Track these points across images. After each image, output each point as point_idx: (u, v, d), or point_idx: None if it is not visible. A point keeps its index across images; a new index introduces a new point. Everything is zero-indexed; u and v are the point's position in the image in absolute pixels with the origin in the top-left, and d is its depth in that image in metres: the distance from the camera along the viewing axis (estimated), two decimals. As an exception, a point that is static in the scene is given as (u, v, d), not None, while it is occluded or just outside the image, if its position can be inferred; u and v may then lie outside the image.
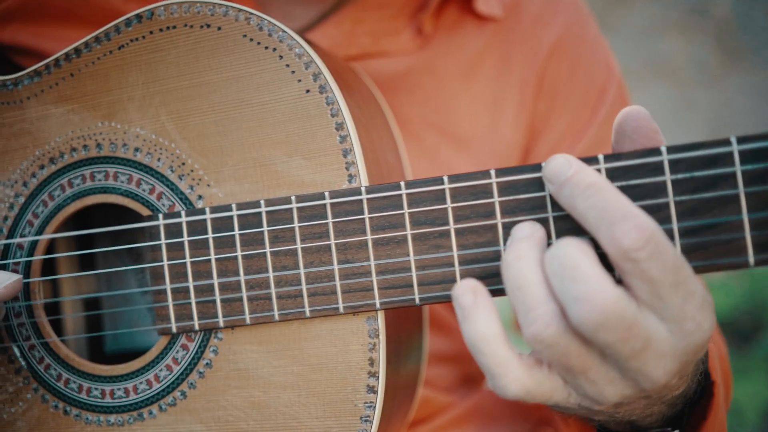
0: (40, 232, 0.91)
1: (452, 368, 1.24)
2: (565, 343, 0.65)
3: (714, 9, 4.24)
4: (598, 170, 0.70)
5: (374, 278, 0.78)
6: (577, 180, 0.67)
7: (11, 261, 0.92)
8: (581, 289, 0.63)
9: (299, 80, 0.82)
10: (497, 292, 0.75)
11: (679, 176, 0.69)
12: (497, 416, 1.24)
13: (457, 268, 0.76)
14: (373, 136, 0.87)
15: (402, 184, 0.77)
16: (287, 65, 0.82)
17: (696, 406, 0.83)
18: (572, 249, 0.65)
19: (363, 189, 0.79)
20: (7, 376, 0.92)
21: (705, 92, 4.02)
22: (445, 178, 0.76)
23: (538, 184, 0.73)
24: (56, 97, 0.90)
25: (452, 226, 0.76)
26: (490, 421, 1.23)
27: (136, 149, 0.87)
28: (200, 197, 0.85)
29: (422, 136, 1.10)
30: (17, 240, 0.91)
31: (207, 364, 0.85)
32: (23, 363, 0.91)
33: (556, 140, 1.17)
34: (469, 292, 0.70)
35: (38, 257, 0.91)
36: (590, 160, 0.71)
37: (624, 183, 0.70)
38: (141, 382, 0.87)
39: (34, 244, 0.91)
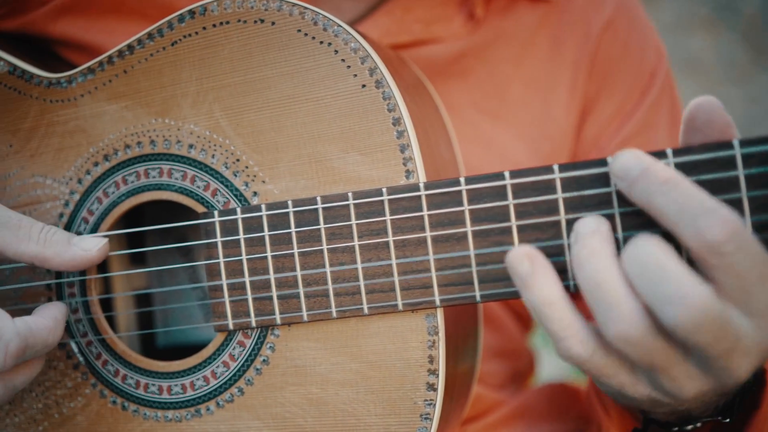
0: (95, 229, 0.91)
1: (502, 364, 1.23)
2: (651, 341, 0.64)
3: (743, 6, 4.14)
4: (667, 164, 0.69)
5: (433, 275, 0.78)
6: (652, 176, 0.65)
7: (67, 258, 0.92)
8: (673, 290, 0.61)
9: (355, 75, 0.81)
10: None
11: (753, 171, 0.67)
12: (545, 415, 1.23)
13: (519, 265, 0.75)
14: (428, 130, 0.86)
15: (462, 179, 0.76)
16: (342, 60, 0.81)
17: (748, 395, 0.81)
18: (654, 248, 0.63)
19: (421, 185, 0.78)
20: (65, 372, 0.93)
21: (734, 89, 3.93)
22: (507, 174, 0.75)
23: (604, 180, 0.72)
24: (110, 94, 0.90)
25: (514, 223, 0.75)
26: (538, 420, 1.22)
27: (191, 146, 0.87)
28: (255, 194, 0.85)
29: (475, 121, 1.09)
30: (73, 237, 0.92)
31: (264, 360, 0.85)
32: (81, 359, 0.92)
33: (603, 122, 1.15)
34: (525, 260, 0.69)
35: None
36: (659, 154, 0.69)
37: (695, 178, 0.68)
38: (198, 379, 0.87)
39: (89, 241, 0.91)
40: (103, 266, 0.98)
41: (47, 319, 0.81)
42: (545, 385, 1.31)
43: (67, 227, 0.92)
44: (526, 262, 0.69)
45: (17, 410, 0.94)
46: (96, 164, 0.91)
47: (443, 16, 1.07)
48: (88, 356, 0.92)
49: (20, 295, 0.93)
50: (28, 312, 0.85)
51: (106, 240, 0.85)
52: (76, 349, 0.92)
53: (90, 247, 0.85)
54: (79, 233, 0.92)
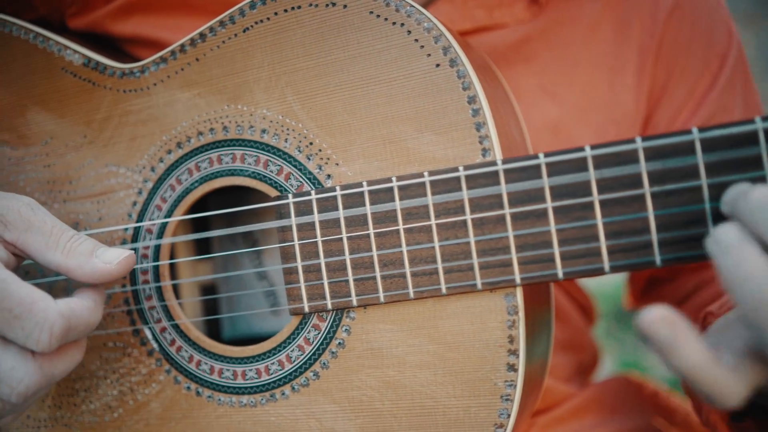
0: (168, 216, 0.92)
1: (569, 356, 1.22)
2: None
3: (784, -1, 4.08)
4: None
5: (513, 253, 0.77)
6: None
7: (141, 245, 0.93)
8: None
9: (428, 54, 0.81)
10: (642, 264, 0.73)
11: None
12: (613, 409, 1.22)
13: (603, 242, 0.73)
14: (500, 109, 0.85)
15: (541, 155, 0.75)
16: (416, 40, 0.81)
17: None
18: None
19: (499, 161, 0.77)
20: (140, 358, 0.93)
21: (774, 85, 3.86)
22: (587, 147, 0.74)
23: (689, 150, 0.70)
24: (182, 82, 0.91)
25: (596, 197, 0.73)
26: (609, 413, 1.20)
27: (263, 131, 0.88)
28: (329, 176, 0.85)
29: (541, 106, 1.07)
30: (146, 223, 0.93)
31: (340, 343, 0.84)
32: (155, 345, 0.93)
33: (675, 108, 1.13)
34: (664, 326, 0.63)
35: (168, 239, 0.92)
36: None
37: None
38: (273, 363, 0.87)
39: (162, 228, 0.92)
40: (175, 253, 0.99)
41: (88, 300, 0.80)
42: (611, 379, 1.29)
43: (141, 215, 0.93)
44: (666, 329, 0.63)
45: (92, 397, 0.95)
46: (169, 152, 0.92)
47: (505, 2, 1.06)
48: (161, 343, 0.93)
49: (73, 284, 0.94)
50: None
51: (130, 252, 0.82)
52: (149, 336, 0.93)
53: (111, 259, 0.81)
54: (152, 220, 0.93)
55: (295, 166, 0.86)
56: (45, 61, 0.97)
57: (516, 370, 0.78)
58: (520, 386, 0.78)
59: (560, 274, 0.75)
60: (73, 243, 0.80)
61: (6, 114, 0.99)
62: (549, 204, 0.75)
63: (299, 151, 0.86)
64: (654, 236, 0.72)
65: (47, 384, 0.77)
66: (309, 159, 0.86)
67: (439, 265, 0.79)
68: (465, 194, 0.78)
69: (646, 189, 0.72)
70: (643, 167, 0.72)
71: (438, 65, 0.80)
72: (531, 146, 0.96)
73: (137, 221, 0.93)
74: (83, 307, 0.78)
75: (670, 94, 1.12)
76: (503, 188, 0.77)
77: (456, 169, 0.78)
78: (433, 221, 0.79)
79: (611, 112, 1.10)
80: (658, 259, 0.72)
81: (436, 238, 0.79)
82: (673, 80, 1.12)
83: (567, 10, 1.08)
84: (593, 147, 0.73)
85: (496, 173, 0.77)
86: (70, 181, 0.96)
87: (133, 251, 0.83)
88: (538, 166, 0.75)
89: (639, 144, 0.72)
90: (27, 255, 0.80)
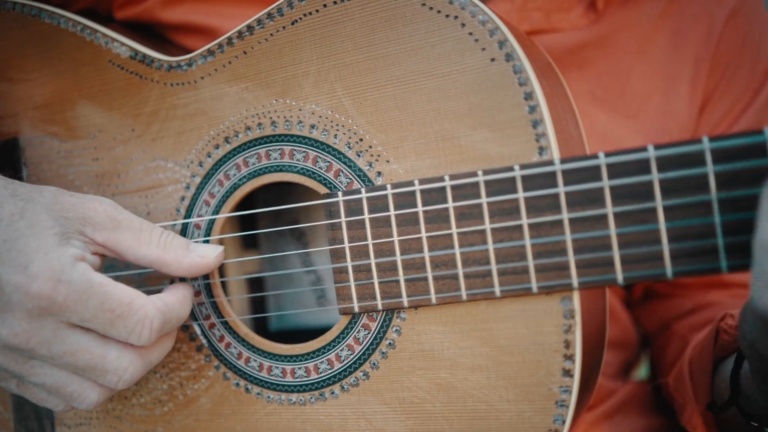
0: (216, 211, 0.91)
1: (616, 354, 1.21)
2: None
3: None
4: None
5: (571, 256, 0.74)
6: None
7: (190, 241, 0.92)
8: None
9: (483, 49, 0.78)
10: (707, 270, 0.70)
11: None
12: (656, 402, 1.20)
13: (665, 246, 0.70)
14: (557, 106, 0.82)
15: (601, 154, 0.72)
16: (470, 33, 0.78)
17: None
18: None
19: (557, 161, 0.74)
20: (189, 354, 0.93)
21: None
22: (650, 147, 0.70)
23: (760, 151, 0.66)
24: (230, 76, 0.90)
25: (659, 201, 0.70)
26: (649, 409, 1.19)
27: (312, 126, 0.86)
28: (379, 174, 0.83)
29: (591, 113, 1.06)
30: (195, 219, 0.92)
31: (390, 344, 0.83)
32: (204, 341, 0.93)
33: (715, 120, 1.13)
34: None
35: (216, 236, 0.91)
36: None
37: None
38: (322, 362, 0.86)
39: (211, 223, 0.92)
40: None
41: (179, 295, 0.83)
42: (650, 376, 1.28)
43: (188, 210, 0.93)
44: None
45: (143, 391, 0.96)
46: (217, 147, 0.91)
47: (563, 6, 1.04)
48: (210, 339, 0.92)
49: (143, 278, 0.94)
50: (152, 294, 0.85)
51: (222, 247, 0.86)
52: (199, 332, 0.93)
53: (207, 253, 0.84)
54: (200, 216, 0.92)
55: (344, 163, 0.84)
56: (93, 53, 0.97)
57: (572, 376, 0.76)
58: (576, 392, 0.76)
59: (620, 279, 0.73)
60: (166, 238, 0.83)
61: (55, 107, 0.99)
62: (609, 207, 0.72)
63: (349, 147, 0.84)
64: (720, 240, 0.69)
65: (147, 370, 0.81)
66: (359, 156, 0.84)
67: (493, 267, 0.77)
68: (521, 195, 0.75)
69: (713, 192, 0.68)
70: (710, 169, 0.68)
71: (493, 60, 0.78)
72: (588, 148, 0.93)
73: (185, 216, 0.93)
74: (176, 302, 0.81)
75: (713, 106, 1.11)
76: (561, 189, 0.74)
77: (511, 169, 0.76)
78: (487, 222, 0.77)
79: (664, 122, 1.08)
80: (724, 264, 0.69)
81: (490, 239, 0.77)
82: (717, 92, 1.11)
83: (624, 18, 1.06)
84: (657, 147, 0.70)
85: (553, 173, 0.74)
86: (119, 175, 0.96)
87: (223, 247, 0.86)
88: (598, 167, 0.72)
89: (706, 145, 0.68)
90: (117, 253, 0.82)
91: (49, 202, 0.78)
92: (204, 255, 0.84)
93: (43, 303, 0.73)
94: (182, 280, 0.91)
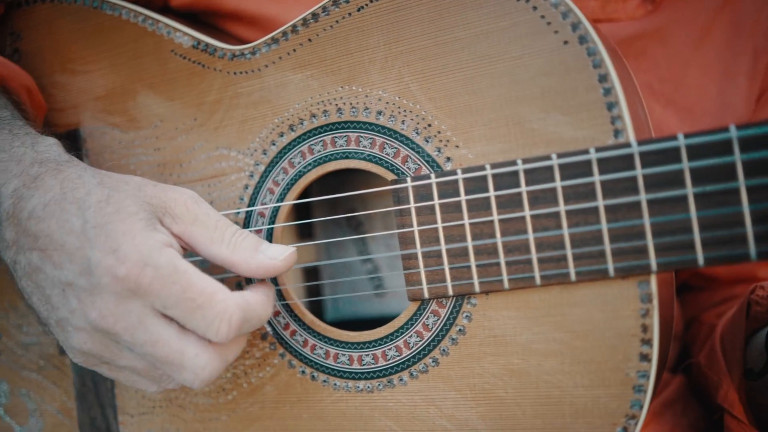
0: (281, 199, 0.91)
1: (674, 346, 1.20)
2: None
3: None
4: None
5: (649, 239, 0.73)
6: None
7: (253, 229, 0.93)
8: None
9: (556, 32, 0.77)
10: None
11: None
12: (697, 395, 1.20)
13: (749, 228, 0.69)
14: (629, 90, 0.81)
15: (680, 136, 0.72)
16: (542, 16, 0.78)
17: None
18: None
19: (634, 143, 0.73)
20: (253, 342, 0.93)
21: None
22: (732, 127, 0.70)
23: None
24: (294, 64, 0.90)
25: (742, 182, 0.69)
26: (693, 401, 1.18)
27: (379, 112, 0.86)
28: (448, 159, 0.82)
29: (648, 105, 1.05)
30: (259, 207, 0.92)
31: (460, 330, 0.83)
32: (269, 329, 0.93)
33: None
34: None
35: (280, 224, 0.91)
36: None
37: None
38: (390, 349, 0.86)
39: (275, 211, 0.92)
40: (282, 238, 0.98)
41: (261, 294, 0.81)
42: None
43: (252, 199, 0.93)
44: None
45: (207, 380, 0.96)
46: (281, 134, 0.91)
47: None
48: (276, 326, 0.92)
49: (208, 267, 0.94)
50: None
51: (293, 249, 0.83)
52: (263, 320, 0.93)
53: (276, 255, 0.82)
54: (264, 204, 0.92)
55: (412, 149, 0.84)
56: (154, 44, 0.97)
57: (649, 361, 0.75)
58: (654, 377, 0.75)
59: (701, 261, 0.72)
60: (237, 238, 0.81)
61: (117, 98, 1.00)
62: (690, 189, 0.71)
63: (417, 133, 0.84)
64: (805, 222, 0.68)
65: (223, 370, 0.80)
66: (427, 141, 0.83)
67: (568, 252, 0.76)
68: (597, 178, 0.75)
69: (800, 172, 0.67)
70: (796, 149, 0.67)
71: (566, 42, 0.77)
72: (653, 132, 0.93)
73: (249, 205, 0.93)
74: (257, 301, 0.80)
75: (765, 102, 1.09)
76: (639, 172, 0.73)
77: (587, 152, 0.75)
78: (561, 206, 0.76)
79: (721, 115, 1.07)
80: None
81: (565, 224, 0.76)
82: None
83: (682, 10, 1.06)
84: (739, 128, 0.69)
85: (630, 156, 0.73)
86: (181, 164, 0.96)
87: (295, 248, 0.83)
88: (677, 149, 0.72)
89: (792, 124, 0.67)
90: (191, 247, 0.82)
91: (133, 190, 0.79)
92: (273, 257, 0.82)
93: (130, 285, 0.74)
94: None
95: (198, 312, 0.75)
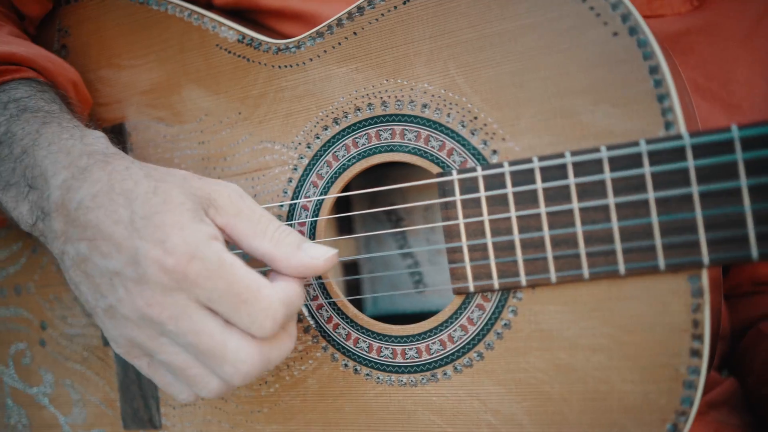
0: (324, 193, 0.91)
1: (720, 344, 1.17)
2: None
3: None
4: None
5: (701, 233, 0.72)
6: None
7: (297, 222, 0.93)
8: None
9: (605, 23, 0.76)
10: None
11: None
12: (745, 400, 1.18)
13: (806, 219, 0.68)
14: (678, 82, 0.80)
15: (734, 127, 0.70)
16: (591, 8, 0.77)
17: None
18: None
19: (686, 134, 0.72)
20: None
21: None
22: (789, 120, 0.68)
23: None
24: (339, 57, 0.90)
25: (798, 174, 0.68)
26: (741, 406, 1.16)
27: (424, 105, 0.85)
28: (495, 152, 0.82)
29: (694, 101, 1.03)
30: (303, 200, 0.92)
31: (505, 324, 0.82)
32: (312, 322, 0.93)
33: None
34: None
35: (324, 217, 0.91)
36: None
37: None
38: (434, 342, 0.86)
39: (319, 204, 0.92)
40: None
41: (297, 287, 0.81)
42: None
43: (296, 192, 0.93)
44: None
45: (249, 372, 0.96)
46: (325, 128, 0.91)
47: None
48: (318, 320, 0.92)
49: (248, 259, 0.94)
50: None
51: (335, 251, 0.83)
52: (306, 313, 0.93)
53: (318, 255, 0.82)
54: (308, 197, 0.92)
55: (458, 142, 0.84)
56: (200, 38, 0.98)
57: (701, 356, 0.74)
58: (704, 373, 0.74)
59: (755, 255, 0.70)
60: (280, 234, 0.81)
61: (162, 92, 1.00)
62: (744, 181, 0.70)
63: (463, 125, 0.83)
64: None
65: (264, 370, 0.78)
66: (473, 134, 0.83)
67: (618, 245, 0.75)
68: (647, 170, 0.74)
69: None
70: None
71: (616, 34, 0.76)
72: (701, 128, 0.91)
73: (292, 198, 0.93)
74: (297, 295, 0.80)
75: None
76: (691, 164, 0.72)
77: (637, 143, 0.74)
78: (611, 199, 0.75)
79: None
80: None
81: (614, 217, 0.75)
82: None
83: (730, 5, 1.04)
84: (796, 119, 0.68)
85: (682, 148, 0.72)
86: (225, 158, 0.97)
87: (337, 250, 0.83)
88: (730, 141, 0.70)
89: None
90: (233, 240, 0.82)
91: (179, 181, 0.79)
92: (314, 256, 0.81)
93: (177, 277, 0.74)
94: None
95: (243, 307, 0.75)
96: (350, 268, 1.12)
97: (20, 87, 0.92)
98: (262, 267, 0.91)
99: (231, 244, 0.83)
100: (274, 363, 0.79)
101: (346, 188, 0.93)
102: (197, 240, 0.75)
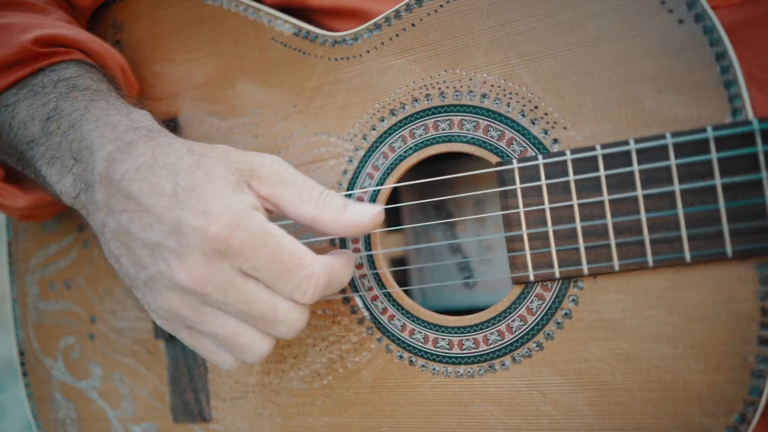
0: (380, 184, 0.91)
1: None
2: None
3: None
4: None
5: (771, 219, 0.71)
6: None
7: (352, 213, 0.93)
8: None
9: (670, 10, 0.76)
10: None
11: None
12: None
13: None
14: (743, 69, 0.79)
15: (805, 113, 0.70)
16: (655, -5, 0.77)
17: None
18: None
19: (755, 121, 0.72)
20: (350, 326, 0.93)
21: None
22: None
23: None
24: (397, 48, 0.90)
25: None
26: None
27: (483, 95, 0.85)
28: (555, 141, 0.82)
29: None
30: (358, 192, 0.93)
31: (566, 314, 0.81)
32: (366, 313, 0.93)
33: None
34: None
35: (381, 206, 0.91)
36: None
37: None
38: (492, 333, 0.85)
39: (374, 196, 0.92)
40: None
41: (342, 259, 0.83)
42: None
43: (351, 183, 0.93)
44: None
45: (301, 364, 0.96)
46: (382, 119, 0.91)
47: None
48: (373, 311, 0.92)
49: (298, 230, 0.95)
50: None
51: (381, 208, 0.84)
52: (360, 304, 0.93)
53: (364, 213, 0.83)
54: (363, 189, 0.92)
55: (518, 131, 0.84)
56: (255, 32, 0.99)
57: (769, 345, 0.73)
58: (773, 362, 0.73)
59: (828, 242, 0.70)
60: (325, 197, 0.82)
61: (216, 86, 1.01)
62: (816, 165, 0.69)
63: (523, 115, 0.83)
64: None
65: (298, 331, 0.81)
66: (533, 123, 0.83)
67: (683, 233, 0.75)
68: (714, 156, 0.73)
69: None
70: None
71: (681, 21, 0.76)
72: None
73: (348, 190, 0.93)
74: (340, 266, 0.81)
75: None
76: (760, 149, 0.71)
77: (704, 130, 0.74)
78: (676, 185, 0.75)
79: None
80: None
81: (679, 204, 0.75)
82: None
83: None
84: None
85: (750, 134, 0.72)
86: (279, 151, 0.97)
87: (383, 206, 0.84)
88: (801, 125, 0.70)
89: None
90: (278, 208, 0.83)
91: (221, 155, 0.81)
92: (361, 214, 0.82)
93: (220, 245, 0.75)
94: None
95: (287, 275, 0.77)
96: (399, 263, 1.12)
97: (70, 67, 0.94)
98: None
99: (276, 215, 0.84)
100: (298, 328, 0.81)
101: (400, 181, 0.93)
102: (240, 209, 0.76)
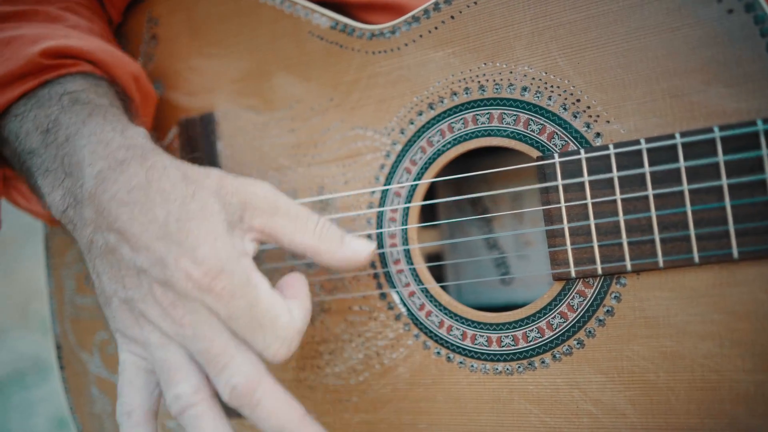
0: (418, 178, 0.90)
1: None
2: None
3: None
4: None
5: (824, 214, 0.69)
6: None
7: (389, 208, 0.92)
8: None
9: (719, 1, 0.74)
10: None
11: None
12: None
13: None
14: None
15: None
16: (703, -15, 0.75)
17: None
18: None
19: (807, 114, 0.70)
20: (386, 322, 0.92)
21: None
22: None
23: None
24: (436, 41, 0.89)
25: None
26: None
27: (524, 88, 0.84)
28: (598, 135, 0.80)
29: None
30: (395, 186, 0.92)
31: (608, 311, 0.80)
32: (403, 309, 0.92)
33: None
34: None
35: (417, 203, 0.91)
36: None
37: None
38: (531, 330, 0.84)
39: (412, 190, 0.91)
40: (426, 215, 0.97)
41: (307, 300, 0.82)
42: None
43: (388, 178, 0.92)
44: None
45: (337, 360, 0.96)
46: (420, 113, 0.91)
47: None
48: (410, 307, 0.91)
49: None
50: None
51: (374, 245, 0.86)
52: (397, 300, 0.92)
53: (360, 248, 0.85)
54: (400, 183, 0.91)
55: (559, 125, 0.82)
56: (292, 25, 0.98)
57: (821, 344, 0.71)
58: (825, 362, 0.71)
59: None
60: (322, 228, 0.83)
61: (252, 80, 1.01)
62: None
63: (564, 108, 0.82)
64: None
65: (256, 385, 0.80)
66: (575, 117, 0.81)
67: (731, 228, 0.73)
68: (765, 151, 0.71)
69: None
70: None
71: (731, 11, 0.74)
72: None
73: (385, 184, 0.92)
74: (306, 316, 0.81)
75: None
76: (813, 143, 0.69)
77: (753, 123, 0.72)
78: (724, 180, 0.73)
79: None
80: None
81: (727, 198, 0.73)
82: None
83: None
84: None
85: (803, 127, 0.70)
86: (315, 145, 0.97)
87: (375, 243, 0.87)
88: None
89: None
90: (272, 238, 0.83)
91: (215, 186, 0.81)
92: (357, 250, 0.84)
93: (202, 287, 0.76)
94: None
95: (259, 332, 0.77)
96: (433, 259, 1.11)
97: (76, 80, 0.94)
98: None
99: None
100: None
101: (438, 176, 0.92)
102: (228, 254, 0.76)
